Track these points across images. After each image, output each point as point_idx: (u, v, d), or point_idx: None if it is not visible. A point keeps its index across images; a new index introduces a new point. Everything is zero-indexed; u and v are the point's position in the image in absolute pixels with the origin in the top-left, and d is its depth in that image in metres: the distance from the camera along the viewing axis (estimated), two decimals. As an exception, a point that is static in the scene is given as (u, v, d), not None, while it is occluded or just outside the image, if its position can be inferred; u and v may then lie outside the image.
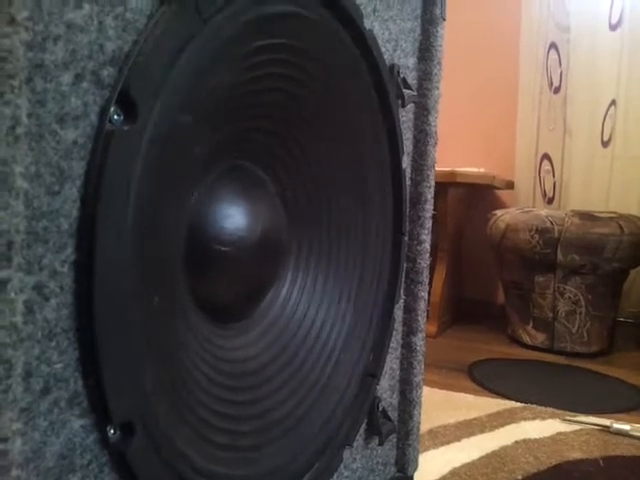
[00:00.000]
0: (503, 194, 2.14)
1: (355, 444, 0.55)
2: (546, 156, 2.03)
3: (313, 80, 0.46)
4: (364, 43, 0.48)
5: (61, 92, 0.24)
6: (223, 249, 0.42)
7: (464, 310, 2.07)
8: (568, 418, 1.13)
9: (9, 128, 0.20)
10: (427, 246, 0.65)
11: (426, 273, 0.65)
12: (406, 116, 0.61)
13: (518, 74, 2.08)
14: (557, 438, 1.04)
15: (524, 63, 2.06)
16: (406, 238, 0.61)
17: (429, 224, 0.65)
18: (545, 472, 0.91)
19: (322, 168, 0.53)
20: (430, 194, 0.65)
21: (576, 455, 0.97)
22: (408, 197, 0.61)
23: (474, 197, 2.10)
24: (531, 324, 1.69)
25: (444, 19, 0.64)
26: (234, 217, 0.44)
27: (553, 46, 2.05)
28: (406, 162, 0.62)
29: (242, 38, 0.34)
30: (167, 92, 0.29)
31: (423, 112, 0.63)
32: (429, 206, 0.65)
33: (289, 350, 0.51)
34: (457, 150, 2.20)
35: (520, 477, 0.89)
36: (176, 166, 0.34)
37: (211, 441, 0.37)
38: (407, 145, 0.62)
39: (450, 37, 2.23)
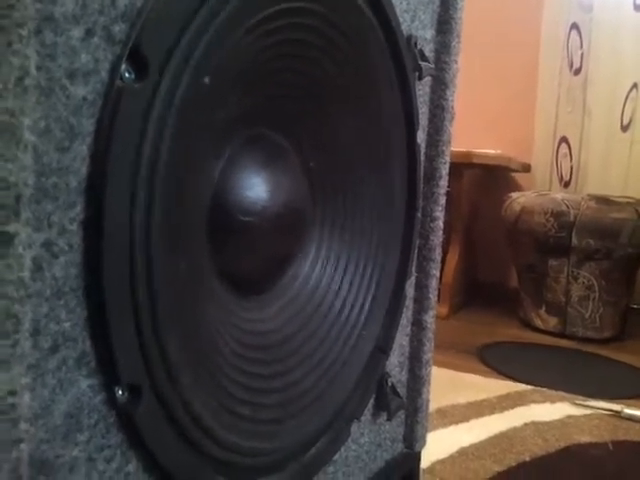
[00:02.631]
0: (520, 177, 2.12)
1: (363, 419, 0.55)
2: (564, 139, 2.00)
3: (333, 48, 0.45)
4: (382, 12, 0.47)
5: (71, 46, 0.24)
6: (246, 219, 0.42)
7: (477, 292, 2.06)
8: (578, 402, 1.12)
9: (17, 79, 0.20)
10: (440, 223, 0.64)
11: (439, 251, 0.65)
12: (422, 90, 0.60)
13: (538, 54, 2.04)
14: (567, 421, 1.04)
15: (545, 43, 2.02)
16: (419, 214, 0.60)
17: (443, 201, 0.64)
18: (553, 454, 0.91)
19: (343, 140, 0.52)
20: (445, 170, 0.64)
21: (585, 438, 0.97)
22: (422, 173, 0.60)
23: (490, 179, 2.08)
24: (544, 308, 1.68)
25: (464, -10, 0.62)
26: (258, 187, 0.43)
27: (575, 26, 2.01)
28: (421, 137, 0.61)
29: (262, 1, 0.34)
30: (182, 51, 0.28)
31: (440, 86, 0.62)
32: (444, 183, 0.64)
33: (311, 324, 0.50)
34: (474, 131, 2.17)
35: (528, 458, 0.89)
36: (196, 130, 0.33)
37: (233, 412, 0.37)
38: (422, 119, 0.61)
39: (470, 16, 2.19)
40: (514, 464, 0.87)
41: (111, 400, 0.27)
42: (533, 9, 2.05)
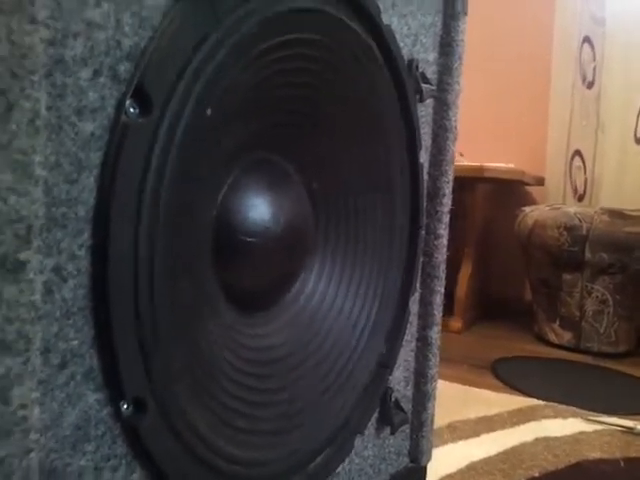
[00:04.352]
0: (533, 190, 2.12)
1: (367, 433, 0.57)
2: (578, 152, 2.00)
3: (334, 75, 0.47)
4: (381, 38, 0.49)
5: (80, 86, 0.26)
6: (250, 240, 0.44)
7: (491, 307, 2.05)
8: (591, 418, 1.12)
9: (29, 120, 0.22)
10: (444, 241, 0.66)
11: (443, 267, 0.66)
12: (425, 111, 0.61)
13: (550, 68, 2.04)
14: (578, 437, 1.03)
15: (557, 57, 2.03)
16: (423, 232, 0.61)
17: (447, 219, 0.66)
18: (563, 470, 0.91)
19: (345, 161, 0.54)
20: (448, 189, 0.65)
21: (596, 455, 0.97)
22: (425, 191, 0.61)
23: (503, 193, 2.08)
24: (558, 322, 1.67)
25: (465, 14, 0.64)
26: (260, 208, 0.45)
27: (587, 40, 2.02)
28: (424, 157, 0.62)
29: (259, 35, 0.36)
30: (183, 87, 0.31)
31: (443, 107, 0.63)
32: (447, 201, 0.65)
33: (315, 340, 0.52)
34: (487, 145, 2.18)
35: (537, 474, 0.89)
36: (199, 159, 0.35)
37: (232, 425, 0.39)
38: (426, 140, 0.63)
39: (482, 29, 2.21)
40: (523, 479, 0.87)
41: (117, 413, 0.29)
42: (545, 22, 2.06)
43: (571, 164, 2.01)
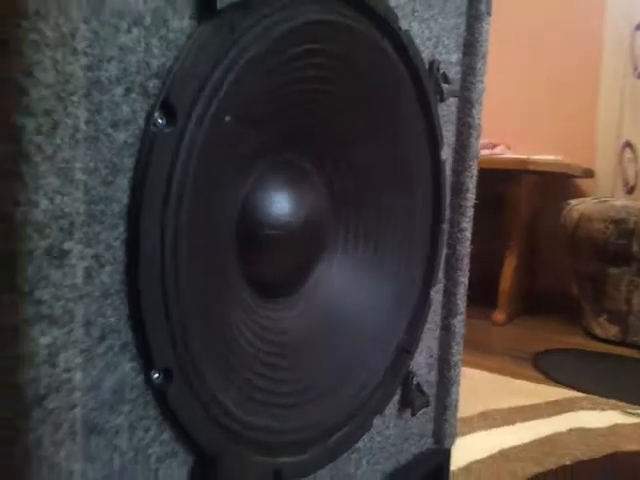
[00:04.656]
0: (583, 182, 2.08)
1: (388, 413, 0.60)
2: (628, 144, 1.95)
3: (351, 80, 0.50)
4: (399, 42, 0.52)
5: (114, 102, 0.31)
6: (270, 232, 0.48)
7: (537, 300, 2.04)
8: (629, 410, 1.11)
9: (70, 135, 0.27)
10: (468, 234, 0.68)
11: (466, 260, 0.68)
12: (447, 109, 0.64)
13: (601, 58, 2.00)
14: (614, 429, 1.04)
15: (608, 46, 1.98)
16: (445, 226, 0.64)
17: (470, 213, 0.68)
18: (596, 460, 0.92)
19: (366, 160, 0.57)
20: (472, 184, 0.67)
21: (632, 447, 0.97)
22: (448, 187, 0.64)
23: (550, 185, 2.05)
24: (604, 316, 1.65)
25: (489, 14, 0.66)
26: (281, 204, 0.49)
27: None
28: (447, 153, 0.65)
29: (275, 49, 0.40)
30: (204, 100, 0.35)
31: (466, 105, 0.66)
32: (471, 195, 0.68)
33: (332, 324, 0.56)
34: (536, 138, 2.15)
35: (569, 462, 0.91)
36: (221, 160, 0.40)
37: (254, 397, 0.44)
38: (449, 137, 0.65)
39: (530, 20, 2.18)
40: (554, 467, 0.88)
41: (148, 381, 0.34)
42: (595, 10, 2.01)
43: (622, 156, 1.97)
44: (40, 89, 0.26)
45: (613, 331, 1.62)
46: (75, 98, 0.27)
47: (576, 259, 1.75)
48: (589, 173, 1.99)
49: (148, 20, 0.32)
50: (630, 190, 1.95)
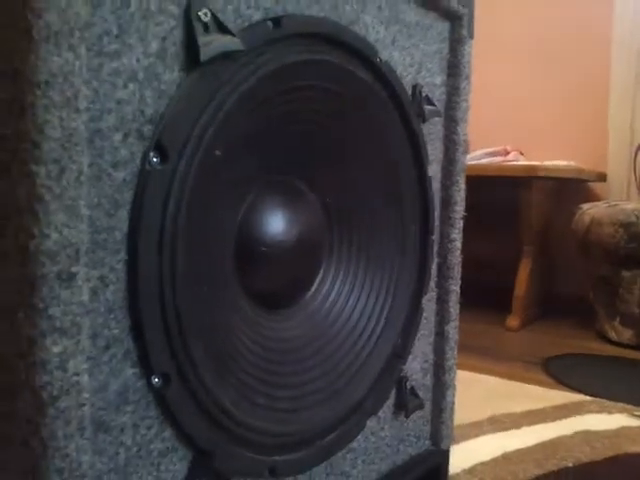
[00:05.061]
0: (596, 187, 2.09)
1: (383, 415, 0.64)
2: (641, 147, 1.96)
3: (335, 110, 0.55)
4: (380, 73, 0.57)
5: (114, 146, 0.36)
6: (266, 250, 0.53)
7: (552, 305, 2.05)
8: (637, 413, 1.13)
9: (75, 177, 0.32)
10: (458, 244, 0.72)
11: (457, 269, 0.72)
12: (434, 128, 0.68)
13: (610, 61, 2.01)
14: (620, 432, 1.06)
15: (617, 50, 1.99)
16: (433, 237, 0.68)
17: (460, 224, 0.72)
18: (598, 462, 0.94)
19: (357, 180, 0.62)
20: (460, 197, 0.72)
21: (636, 449, 0.99)
22: (435, 201, 0.68)
23: (563, 190, 2.07)
24: (618, 320, 1.66)
25: (471, 37, 0.70)
26: (275, 223, 0.54)
27: (650, 31, 1.97)
28: (435, 169, 0.69)
29: (259, 88, 0.45)
30: (194, 139, 0.40)
31: (452, 123, 0.70)
32: (459, 208, 0.72)
33: (329, 333, 0.61)
34: (549, 142, 2.17)
35: (571, 464, 0.93)
36: (214, 188, 0.45)
37: (250, 400, 0.49)
38: (437, 153, 0.70)
39: (541, 26, 2.20)
40: (555, 469, 0.91)
41: (149, 384, 0.39)
42: (604, 13, 2.03)
43: (635, 159, 1.97)
44: (50, 142, 0.31)
45: (627, 335, 1.63)
46: (79, 148, 0.33)
47: (589, 263, 1.76)
48: (602, 177, 2.01)
49: (142, 75, 0.37)
50: (644, 193, 1.95)
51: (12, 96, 0.31)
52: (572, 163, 1.95)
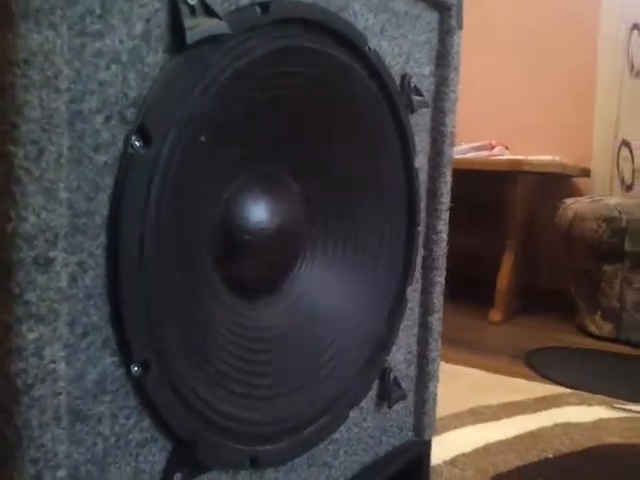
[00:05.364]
0: (580, 182, 2.11)
1: (366, 406, 0.64)
2: (625, 142, 1.98)
3: (321, 97, 0.54)
4: (368, 62, 0.56)
5: (95, 129, 0.35)
6: (246, 237, 0.52)
7: (534, 299, 2.07)
8: (616, 405, 1.15)
9: (55, 159, 0.31)
10: (444, 236, 0.72)
11: (443, 260, 0.72)
12: (422, 119, 0.68)
13: (597, 57, 2.02)
14: (599, 424, 1.07)
15: (603, 45, 2.00)
16: (419, 228, 0.68)
17: (446, 216, 0.72)
18: (577, 453, 0.95)
19: (342, 169, 0.61)
20: (446, 189, 0.71)
21: (613, 440, 1.00)
22: (421, 192, 0.68)
23: (547, 185, 2.08)
24: (599, 314, 1.68)
25: (460, 28, 0.70)
26: (257, 211, 0.54)
27: (636, 27, 1.98)
28: (422, 160, 0.69)
29: (244, 74, 0.44)
30: (178, 123, 0.39)
31: (439, 114, 0.70)
32: (445, 199, 0.71)
33: (311, 322, 0.60)
34: (533, 138, 2.18)
35: (551, 455, 0.94)
36: (197, 175, 0.44)
37: (230, 389, 0.48)
38: (424, 145, 0.69)
39: (527, 19, 2.20)
40: (536, 460, 0.92)
41: (128, 373, 0.38)
42: (591, 9, 2.04)
43: (618, 155, 1.99)
44: (29, 124, 0.30)
45: (607, 328, 1.65)
46: (59, 130, 0.32)
47: (571, 257, 1.78)
48: (586, 172, 2.02)
49: (125, 57, 0.36)
50: (627, 188, 1.97)
51: (-11, 75, 0.30)
52: (557, 158, 1.96)
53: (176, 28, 0.39)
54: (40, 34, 0.30)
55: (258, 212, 0.52)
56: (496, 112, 2.23)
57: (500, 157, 1.96)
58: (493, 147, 2.05)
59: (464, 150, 1.97)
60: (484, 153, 1.99)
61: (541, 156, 1.97)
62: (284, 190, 0.56)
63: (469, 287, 1.97)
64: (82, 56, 0.34)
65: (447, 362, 1.36)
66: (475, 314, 1.88)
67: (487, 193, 2.00)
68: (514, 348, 1.58)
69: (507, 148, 2.10)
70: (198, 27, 0.39)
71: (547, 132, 2.14)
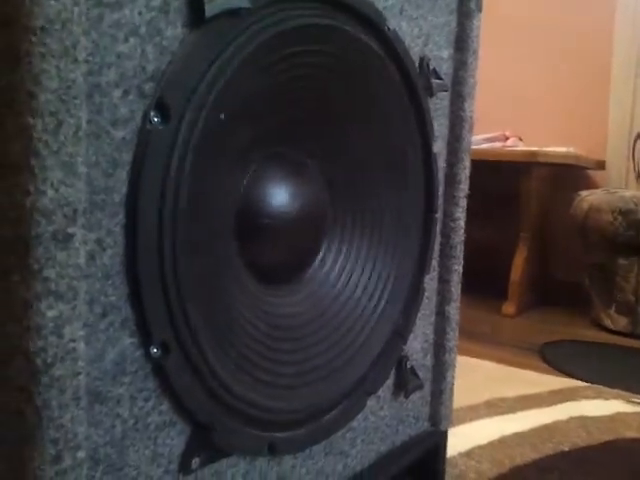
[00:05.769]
0: (594, 174, 2.08)
1: (382, 395, 0.63)
2: (640, 135, 1.95)
3: (341, 78, 0.53)
4: (387, 42, 0.55)
5: (113, 103, 0.34)
6: (267, 222, 0.52)
7: (548, 292, 2.04)
8: (633, 400, 1.13)
9: (73, 132, 0.30)
10: (461, 223, 0.71)
11: (460, 248, 0.71)
12: (440, 103, 0.67)
13: (612, 48, 1.99)
14: (616, 417, 1.05)
15: (619, 36, 1.97)
16: (437, 215, 0.67)
17: (464, 203, 0.71)
18: (594, 447, 0.94)
19: (360, 153, 0.60)
20: (465, 175, 0.70)
21: (631, 434, 0.99)
22: (439, 178, 0.67)
23: (561, 177, 2.06)
24: (614, 308, 1.66)
25: (480, 11, 0.68)
26: (277, 195, 0.53)
27: (653, 18, 1.95)
28: (440, 146, 0.68)
29: (264, 50, 0.43)
30: (197, 99, 0.38)
31: (458, 99, 0.68)
32: (464, 186, 0.70)
33: (332, 310, 0.59)
34: (548, 129, 2.16)
35: (567, 449, 0.93)
36: (217, 154, 0.43)
37: (252, 375, 0.47)
38: (442, 130, 0.68)
39: (543, 12, 2.18)
40: (552, 453, 0.91)
41: (147, 355, 0.38)
42: (607, 2, 2.01)
43: (634, 147, 1.96)
44: (47, 94, 0.29)
45: (622, 323, 1.63)
46: (77, 101, 0.31)
47: (586, 250, 1.76)
48: (601, 165, 2.00)
49: (143, 30, 0.35)
50: (642, 181, 1.94)
51: (6, 44, 0.29)
52: (571, 150, 1.93)
53: (195, 1, 0.38)
54: (58, 1, 0.29)
55: (279, 195, 0.51)
56: (510, 103, 2.21)
57: (514, 148, 1.93)
58: (507, 138, 2.03)
59: (477, 141, 1.95)
60: (498, 144, 1.97)
61: (556, 148, 1.94)
62: (304, 172, 0.55)
63: (482, 279, 1.95)
64: (100, 27, 0.33)
65: (460, 354, 1.35)
66: (488, 307, 1.86)
67: (501, 185, 1.97)
68: (528, 341, 1.57)
69: (521, 139, 2.08)
70: (217, 0, 0.38)
71: (562, 124, 2.11)
